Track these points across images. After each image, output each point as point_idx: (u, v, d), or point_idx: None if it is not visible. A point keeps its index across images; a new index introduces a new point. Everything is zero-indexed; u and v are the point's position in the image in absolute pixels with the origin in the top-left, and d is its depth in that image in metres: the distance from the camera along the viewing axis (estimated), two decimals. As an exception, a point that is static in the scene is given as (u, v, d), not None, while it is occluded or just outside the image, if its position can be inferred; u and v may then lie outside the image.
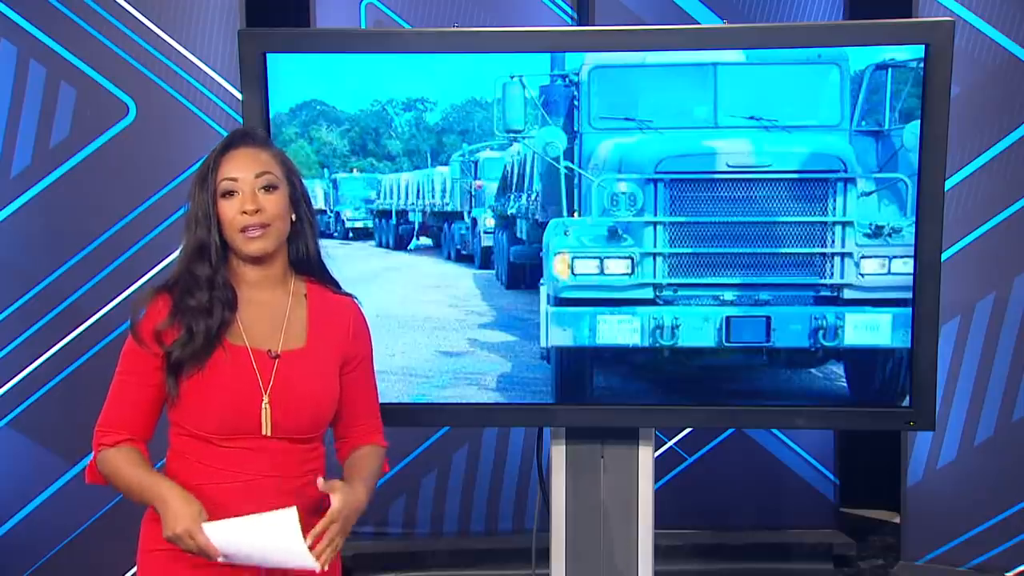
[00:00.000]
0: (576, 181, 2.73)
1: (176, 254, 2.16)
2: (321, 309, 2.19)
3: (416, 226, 2.85)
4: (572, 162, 2.73)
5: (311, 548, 2.00)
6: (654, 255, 2.72)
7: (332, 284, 2.25)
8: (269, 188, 2.09)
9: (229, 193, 2.07)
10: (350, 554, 4.09)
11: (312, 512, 2.11)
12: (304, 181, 2.22)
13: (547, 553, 2.92)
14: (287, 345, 2.13)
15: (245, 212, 2.06)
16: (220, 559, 1.99)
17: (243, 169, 2.08)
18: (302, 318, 2.16)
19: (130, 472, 2.08)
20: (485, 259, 2.81)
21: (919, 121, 2.64)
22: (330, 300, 2.22)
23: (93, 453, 2.13)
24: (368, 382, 2.29)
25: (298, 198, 2.15)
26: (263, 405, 2.07)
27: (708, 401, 2.80)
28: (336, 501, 2.03)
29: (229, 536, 1.99)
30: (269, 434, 2.08)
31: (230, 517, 2.01)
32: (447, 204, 2.82)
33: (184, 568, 2.08)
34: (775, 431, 4.27)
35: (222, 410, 2.07)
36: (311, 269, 2.20)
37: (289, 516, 1.98)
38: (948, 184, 3.30)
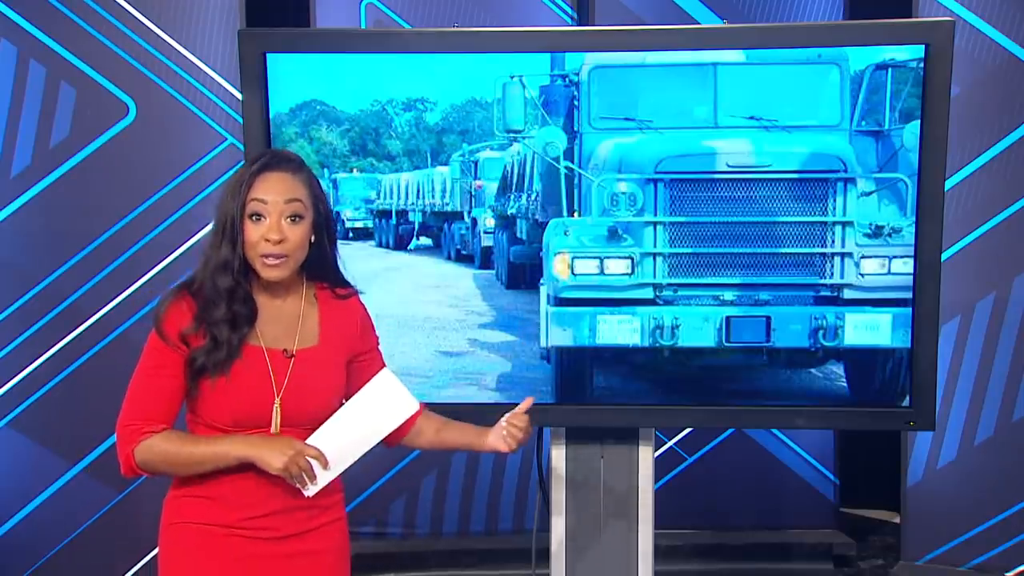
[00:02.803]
0: (576, 181, 2.73)
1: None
2: (330, 310, 2.30)
3: (416, 226, 2.85)
4: (572, 162, 2.73)
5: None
6: (654, 255, 2.72)
7: (342, 286, 2.33)
8: (295, 218, 2.17)
9: (257, 216, 2.15)
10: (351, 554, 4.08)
11: (321, 492, 2.22)
12: (329, 203, 2.30)
13: (547, 553, 2.92)
14: (301, 344, 2.23)
15: (268, 240, 2.15)
16: (328, 471, 2.16)
17: (274, 192, 2.16)
18: (314, 318, 2.27)
19: (190, 444, 2.17)
20: (485, 259, 2.81)
21: (919, 121, 2.64)
22: (338, 302, 2.32)
23: (127, 447, 2.17)
24: (381, 367, 2.38)
25: (320, 222, 2.23)
26: (275, 405, 2.18)
27: (708, 401, 2.80)
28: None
29: (334, 435, 2.18)
30: (278, 431, 2.19)
31: (255, 485, 2.17)
32: (447, 204, 2.82)
33: (203, 537, 2.19)
34: (775, 431, 4.27)
35: (237, 409, 2.17)
36: (325, 276, 2.31)
37: (385, 375, 2.25)
38: (948, 184, 3.30)
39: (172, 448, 2.15)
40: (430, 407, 2.78)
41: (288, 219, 2.16)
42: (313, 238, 2.22)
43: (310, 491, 2.16)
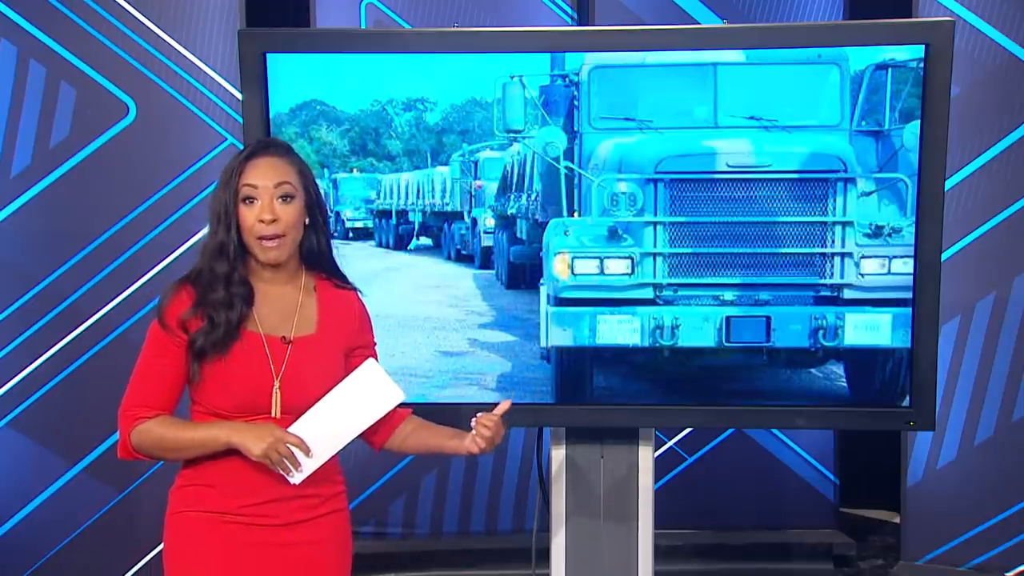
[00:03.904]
0: (576, 181, 2.73)
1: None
2: (329, 301, 2.34)
3: (416, 226, 2.85)
4: (572, 162, 2.73)
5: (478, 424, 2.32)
6: (654, 255, 2.72)
7: (340, 279, 2.38)
8: (286, 198, 2.23)
9: (249, 200, 2.22)
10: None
11: (319, 481, 2.26)
12: (319, 187, 2.34)
13: (547, 553, 2.92)
14: (299, 331, 2.28)
15: (263, 221, 2.21)
16: (310, 459, 2.17)
17: (264, 177, 2.22)
18: (312, 307, 2.32)
19: (181, 429, 2.22)
20: (485, 259, 2.81)
21: (919, 121, 2.64)
22: (337, 293, 2.36)
23: (125, 430, 2.23)
24: None
25: (312, 204, 2.29)
26: (274, 389, 2.22)
27: (708, 401, 2.80)
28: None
29: (317, 423, 2.19)
30: (279, 416, 2.22)
31: (252, 473, 2.20)
32: (447, 204, 2.82)
33: (205, 524, 2.23)
34: (775, 431, 4.27)
35: (238, 393, 2.22)
36: (321, 266, 2.36)
37: (370, 364, 2.25)
38: (948, 184, 3.30)
39: (165, 432, 2.20)
40: (430, 407, 2.79)
41: (279, 199, 2.22)
42: (307, 220, 2.28)
43: (295, 479, 2.18)
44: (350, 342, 2.34)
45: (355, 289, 2.40)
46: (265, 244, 2.22)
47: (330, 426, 2.21)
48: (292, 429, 2.18)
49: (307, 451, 2.17)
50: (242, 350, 2.21)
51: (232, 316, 2.20)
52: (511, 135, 2.72)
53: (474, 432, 2.33)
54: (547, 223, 2.74)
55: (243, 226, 2.22)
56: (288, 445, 2.15)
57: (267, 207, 2.21)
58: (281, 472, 2.17)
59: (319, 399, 2.25)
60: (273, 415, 2.22)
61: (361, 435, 2.38)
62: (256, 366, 2.22)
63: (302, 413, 2.23)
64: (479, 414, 2.34)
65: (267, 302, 2.27)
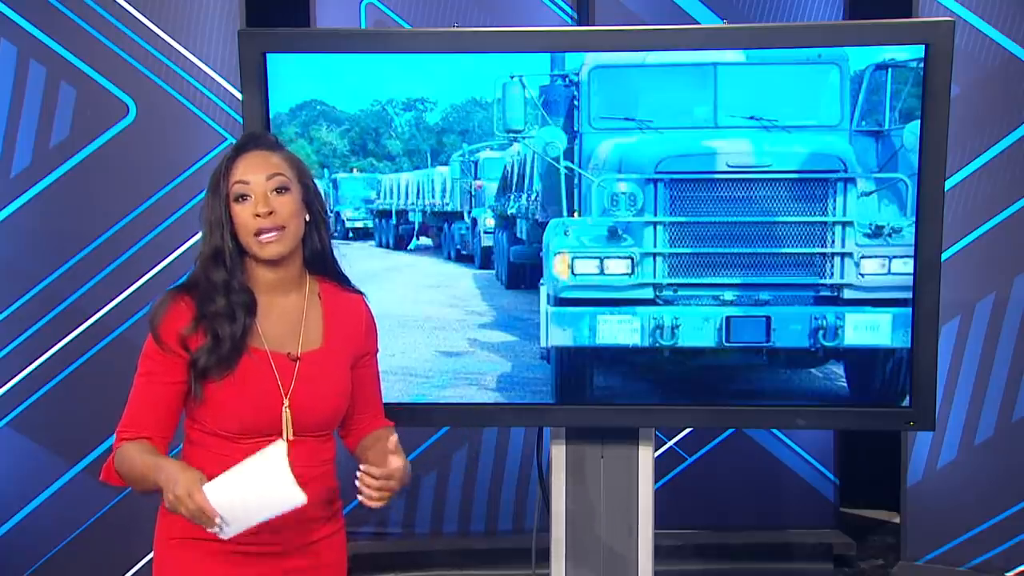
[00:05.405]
0: (576, 181, 2.73)
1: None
2: (334, 308, 2.23)
3: (416, 226, 2.85)
4: (572, 162, 2.73)
5: (365, 487, 2.04)
6: (654, 255, 2.72)
7: (343, 281, 2.27)
8: (281, 190, 2.11)
9: (242, 197, 2.09)
10: (350, 554, 4.08)
11: (324, 502, 2.19)
12: (315, 180, 2.24)
13: (547, 553, 2.92)
14: (305, 346, 2.17)
15: (258, 215, 2.08)
16: (217, 525, 1.90)
17: (254, 171, 2.10)
18: (317, 318, 2.20)
19: (139, 457, 2.03)
20: (485, 259, 2.81)
21: (919, 121, 2.64)
22: (342, 299, 2.25)
23: (112, 453, 2.10)
24: (375, 375, 2.34)
25: (310, 198, 2.17)
26: (284, 409, 2.11)
27: (708, 401, 2.80)
28: (400, 459, 2.06)
29: (225, 492, 1.91)
30: (291, 437, 2.11)
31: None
32: (447, 204, 2.82)
33: (200, 554, 2.11)
34: (775, 431, 4.27)
35: (244, 414, 2.10)
36: (325, 267, 2.24)
37: (277, 449, 1.95)
38: (948, 184, 3.30)
39: (132, 457, 2.04)
40: (431, 407, 2.79)
41: (274, 192, 2.09)
42: (307, 217, 2.15)
43: (223, 534, 1.92)
44: (357, 352, 2.25)
45: (361, 293, 2.30)
46: (263, 239, 2.08)
47: (239, 498, 1.92)
48: (207, 489, 1.91)
49: (212, 516, 1.89)
50: (248, 369, 2.09)
51: (236, 329, 2.07)
52: (511, 135, 2.72)
53: (359, 496, 2.08)
54: (547, 223, 2.74)
55: (239, 226, 2.08)
56: (195, 505, 1.88)
57: (261, 199, 2.07)
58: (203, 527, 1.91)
59: (328, 417, 2.17)
60: (285, 437, 2.09)
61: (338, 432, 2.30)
62: (264, 386, 2.10)
63: (314, 433, 2.14)
64: (360, 470, 2.07)
65: (270, 316, 2.14)
